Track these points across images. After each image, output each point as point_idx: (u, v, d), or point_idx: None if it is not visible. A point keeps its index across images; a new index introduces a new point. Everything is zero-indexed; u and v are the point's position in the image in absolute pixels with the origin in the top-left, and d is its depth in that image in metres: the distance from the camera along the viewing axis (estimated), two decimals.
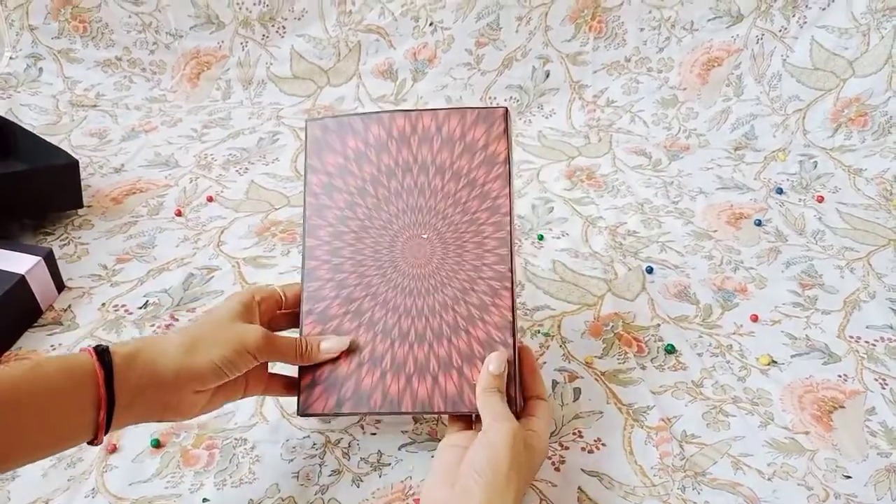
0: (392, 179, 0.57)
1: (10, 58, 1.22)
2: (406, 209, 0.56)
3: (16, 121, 1.01)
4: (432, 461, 0.50)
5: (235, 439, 0.59)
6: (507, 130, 0.56)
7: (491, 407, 0.49)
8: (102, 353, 0.44)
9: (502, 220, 0.54)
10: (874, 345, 0.71)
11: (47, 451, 0.43)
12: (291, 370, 0.56)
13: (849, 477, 0.57)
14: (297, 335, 0.55)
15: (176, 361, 0.46)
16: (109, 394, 0.43)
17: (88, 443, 0.44)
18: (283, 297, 0.57)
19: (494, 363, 0.51)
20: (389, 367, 0.54)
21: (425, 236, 0.55)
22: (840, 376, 0.67)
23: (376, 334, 0.55)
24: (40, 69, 1.22)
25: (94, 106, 1.17)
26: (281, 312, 0.57)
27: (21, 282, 0.68)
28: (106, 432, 0.44)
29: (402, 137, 0.57)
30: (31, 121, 1.10)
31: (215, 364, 0.47)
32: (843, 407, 0.64)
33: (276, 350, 0.52)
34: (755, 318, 0.74)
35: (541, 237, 0.87)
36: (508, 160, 0.55)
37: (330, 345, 0.54)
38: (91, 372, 0.43)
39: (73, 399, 0.42)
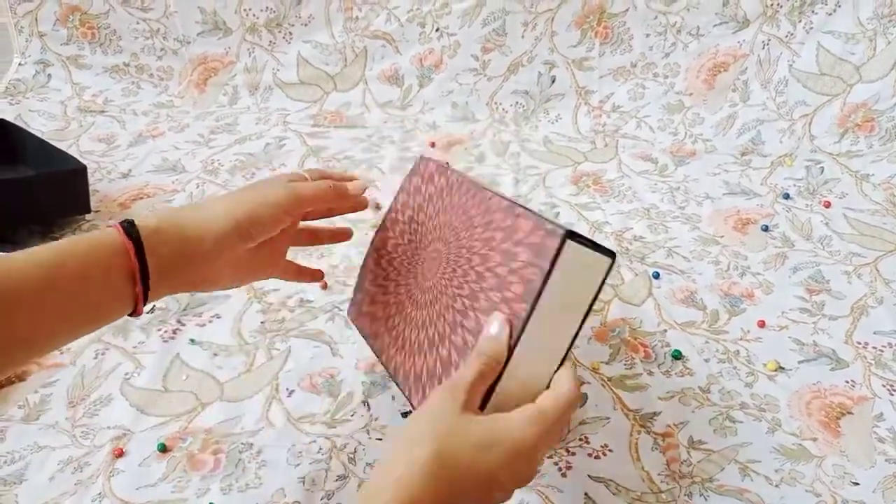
0: (412, 224, 0.59)
1: (20, 64, 1.23)
2: (422, 237, 0.57)
3: (24, 127, 1.01)
4: None
5: (242, 444, 0.59)
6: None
7: (468, 365, 0.43)
8: (129, 226, 0.44)
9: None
10: (882, 350, 0.71)
11: (89, 326, 0.43)
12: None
13: (857, 483, 0.57)
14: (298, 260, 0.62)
15: (202, 225, 0.46)
16: (142, 265, 0.43)
17: (129, 314, 0.45)
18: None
19: (495, 325, 0.44)
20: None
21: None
22: (848, 382, 0.67)
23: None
24: (49, 75, 1.22)
25: (102, 112, 1.18)
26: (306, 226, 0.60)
27: None
28: (145, 304, 0.44)
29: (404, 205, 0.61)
30: (39, 126, 1.11)
31: (241, 222, 0.47)
32: (850, 413, 0.63)
33: (305, 197, 0.52)
34: (762, 324, 0.74)
35: None
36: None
37: (355, 187, 0.56)
38: (121, 246, 0.43)
39: (107, 274, 0.42)
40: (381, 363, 0.58)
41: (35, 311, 0.40)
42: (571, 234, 0.43)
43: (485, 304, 0.46)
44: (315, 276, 0.64)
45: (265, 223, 0.49)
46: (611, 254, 0.44)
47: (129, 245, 0.43)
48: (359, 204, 0.59)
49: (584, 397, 0.64)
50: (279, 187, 0.51)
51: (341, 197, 0.56)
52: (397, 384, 0.54)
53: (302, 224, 0.59)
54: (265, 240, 0.51)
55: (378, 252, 0.62)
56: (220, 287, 0.51)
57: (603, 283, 0.45)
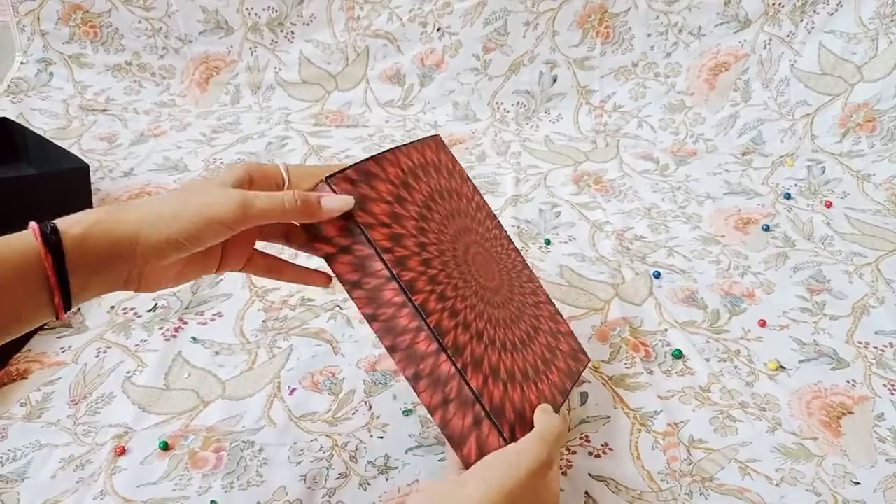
0: (439, 203, 0.52)
1: (22, 63, 1.23)
2: (460, 229, 0.53)
3: (26, 125, 1.01)
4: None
5: (243, 442, 0.59)
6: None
7: (544, 421, 0.47)
8: (49, 235, 0.39)
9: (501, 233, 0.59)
10: (883, 350, 0.71)
11: (7, 334, 0.40)
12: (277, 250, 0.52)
13: (857, 483, 0.57)
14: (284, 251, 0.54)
15: (133, 234, 0.41)
16: (61, 278, 0.39)
17: (54, 319, 0.41)
18: (285, 180, 0.47)
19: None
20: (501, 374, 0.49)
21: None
22: (848, 382, 0.67)
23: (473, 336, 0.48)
24: (51, 74, 1.23)
25: (104, 110, 1.18)
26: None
27: None
28: (67, 311, 0.41)
29: (412, 170, 0.51)
30: (41, 125, 1.11)
31: (173, 238, 0.41)
32: (851, 413, 0.64)
33: (256, 213, 0.43)
34: (763, 324, 0.74)
35: (548, 242, 0.87)
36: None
37: (332, 201, 0.44)
38: (38, 258, 0.39)
39: (23, 282, 0.39)
40: (394, 287, 0.45)
41: None
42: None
43: (539, 353, 0.54)
44: (304, 278, 0.54)
45: (201, 238, 0.42)
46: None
47: (47, 258, 0.39)
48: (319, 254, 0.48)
49: (584, 396, 0.65)
50: (226, 197, 0.42)
51: (308, 214, 0.44)
52: (437, 339, 0.45)
53: (259, 246, 0.51)
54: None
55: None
56: (157, 289, 0.45)
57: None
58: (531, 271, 0.60)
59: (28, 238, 0.40)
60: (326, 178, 0.45)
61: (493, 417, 0.45)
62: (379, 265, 0.45)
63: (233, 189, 0.43)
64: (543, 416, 0.47)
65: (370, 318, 0.46)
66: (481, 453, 0.44)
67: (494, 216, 0.60)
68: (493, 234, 0.57)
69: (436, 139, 0.57)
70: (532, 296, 0.57)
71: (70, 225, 0.40)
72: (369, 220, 0.45)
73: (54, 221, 0.40)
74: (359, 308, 0.46)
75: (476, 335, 0.47)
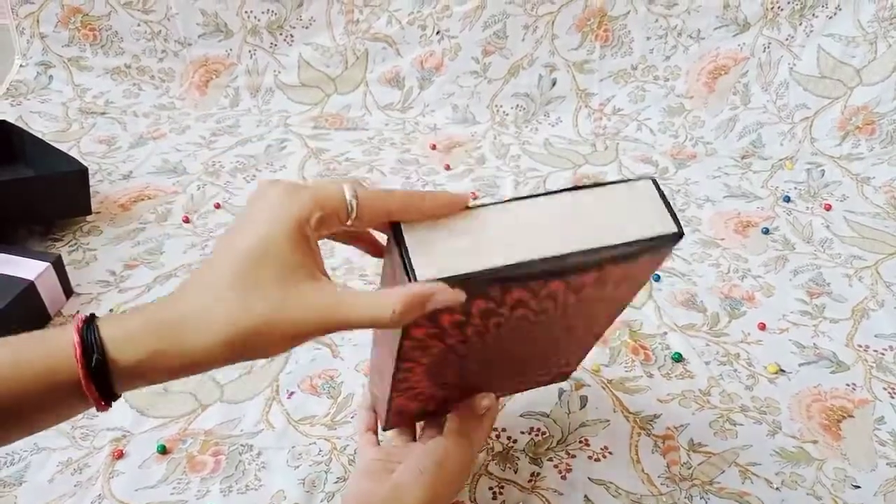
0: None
1: (21, 66, 1.23)
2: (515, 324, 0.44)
3: (26, 128, 1.01)
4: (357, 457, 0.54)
5: (241, 446, 0.59)
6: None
7: (459, 421, 0.51)
8: (91, 350, 0.32)
9: None
10: (883, 353, 0.71)
11: (46, 425, 0.35)
12: None
13: (858, 487, 0.57)
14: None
15: (213, 348, 0.33)
16: (103, 392, 0.33)
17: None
18: (351, 210, 0.36)
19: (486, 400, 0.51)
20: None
21: None
22: (848, 385, 0.67)
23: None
24: (50, 77, 1.23)
25: (103, 113, 1.18)
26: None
27: (30, 288, 0.68)
28: (109, 406, 0.35)
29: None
30: (40, 128, 1.11)
31: (236, 347, 0.33)
32: (851, 416, 0.63)
33: (341, 325, 0.34)
34: (763, 327, 0.74)
35: None
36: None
37: (448, 296, 0.34)
38: (75, 375, 0.32)
39: (61, 402, 0.34)
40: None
41: None
42: (656, 183, 0.42)
43: None
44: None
45: (272, 349, 0.34)
46: (679, 229, 0.41)
47: (86, 381, 0.32)
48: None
49: (584, 400, 0.64)
50: (304, 308, 0.34)
51: (410, 315, 0.34)
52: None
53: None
54: None
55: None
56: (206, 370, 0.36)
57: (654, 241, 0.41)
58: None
59: (65, 346, 0.33)
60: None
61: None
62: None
63: (324, 281, 0.35)
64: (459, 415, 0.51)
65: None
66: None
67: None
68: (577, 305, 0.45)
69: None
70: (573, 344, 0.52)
71: (122, 352, 0.33)
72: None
73: (102, 337, 0.33)
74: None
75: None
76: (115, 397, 0.34)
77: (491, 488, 0.56)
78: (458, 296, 0.34)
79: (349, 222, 0.36)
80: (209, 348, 0.33)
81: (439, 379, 0.47)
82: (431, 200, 0.36)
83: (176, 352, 0.33)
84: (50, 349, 0.33)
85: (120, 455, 0.58)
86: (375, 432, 0.55)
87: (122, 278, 0.79)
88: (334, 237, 0.41)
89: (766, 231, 0.91)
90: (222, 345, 0.33)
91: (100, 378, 0.33)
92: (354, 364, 0.68)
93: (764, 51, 1.13)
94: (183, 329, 0.33)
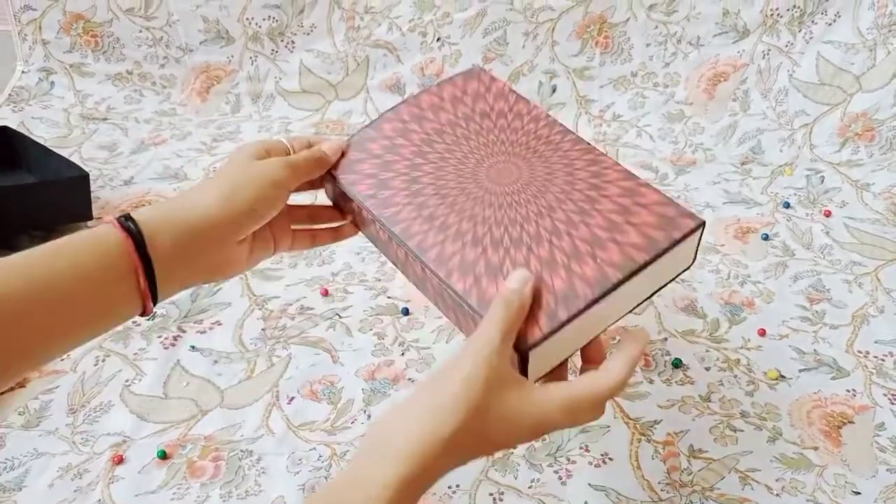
0: (457, 128, 0.55)
1: (23, 72, 1.23)
2: (482, 145, 0.53)
3: (27, 134, 1.02)
4: None
5: (241, 451, 0.59)
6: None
7: (491, 314, 0.41)
8: (126, 220, 0.42)
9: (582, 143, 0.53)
10: (883, 360, 0.71)
11: (94, 330, 0.41)
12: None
13: (858, 493, 0.57)
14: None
15: (212, 211, 0.44)
16: (144, 260, 0.41)
17: (140, 314, 0.43)
18: (289, 148, 0.52)
19: (518, 279, 0.43)
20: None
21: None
22: (849, 391, 0.67)
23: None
24: (52, 83, 1.23)
25: (105, 119, 1.18)
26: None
27: None
28: (155, 302, 0.43)
29: (434, 106, 0.56)
30: (42, 134, 1.11)
31: (247, 208, 0.45)
32: (852, 422, 0.63)
33: (300, 170, 0.50)
34: (763, 333, 0.74)
35: None
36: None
37: (329, 145, 0.53)
38: (120, 243, 0.41)
39: (108, 273, 0.40)
40: (380, 226, 0.50)
41: (30, 319, 0.38)
42: (703, 223, 0.48)
43: (585, 234, 0.46)
44: (337, 234, 0.57)
45: (275, 203, 0.48)
46: (693, 260, 0.50)
47: (129, 241, 0.41)
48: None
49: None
50: (271, 165, 0.48)
51: (324, 163, 0.52)
52: (420, 257, 0.47)
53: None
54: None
55: (396, 125, 0.56)
56: (232, 274, 0.49)
57: (672, 280, 0.50)
58: (597, 155, 0.52)
59: (106, 230, 0.41)
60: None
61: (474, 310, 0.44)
62: (366, 213, 0.51)
63: (271, 158, 0.49)
64: (488, 317, 0.41)
65: (395, 266, 0.53)
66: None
67: (553, 122, 0.55)
68: (536, 137, 0.53)
69: (476, 71, 0.60)
70: (593, 178, 0.50)
71: (144, 213, 0.43)
72: (353, 177, 0.52)
73: (128, 213, 0.42)
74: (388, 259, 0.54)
75: (471, 241, 0.47)
76: (150, 263, 0.42)
77: (491, 494, 0.56)
78: (339, 142, 0.53)
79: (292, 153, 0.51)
80: (212, 198, 0.44)
81: (450, 228, 0.49)
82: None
83: (187, 205, 0.44)
84: (88, 231, 0.41)
85: (120, 460, 0.58)
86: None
87: None
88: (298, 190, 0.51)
89: (766, 237, 0.91)
90: (215, 195, 0.45)
91: (133, 234, 0.41)
92: (354, 370, 0.68)
93: (763, 57, 1.13)
94: (194, 200, 0.45)
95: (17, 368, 0.39)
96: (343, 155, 0.54)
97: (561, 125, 0.54)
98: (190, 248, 0.43)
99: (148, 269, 0.41)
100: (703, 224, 0.47)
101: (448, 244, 0.47)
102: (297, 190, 0.51)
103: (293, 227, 0.55)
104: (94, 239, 0.41)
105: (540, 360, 0.43)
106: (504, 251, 0.46)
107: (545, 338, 0.41)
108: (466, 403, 0.37)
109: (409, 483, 0.36)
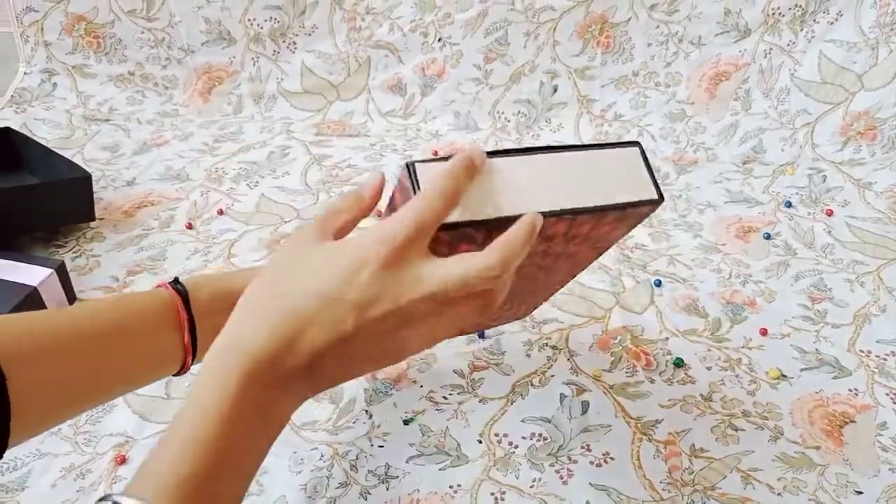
0: None
1: (25, 73, 1.24)
2: None
3: (30, 135, 1.02)
4: None
5: None
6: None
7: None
8: (175, 282, 0.46)
9: None
10: (885, 359, 0.70)
11: (139, 379, 0.45)
12: None
13: (860, 492, 0.57)
14: None
15: (247, 277, 0.46)
16: (189, 316, 0.45)
17: (176, 373, 0.46)
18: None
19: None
20: None
21: None
22: (851, 390, 0.67)
23: None
24: (54, 84, 1.23)
25: (107, 120, 1.19)
26: None
27: (33, 294, 0.68)
28: (194, 359, 0.46)
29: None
30: (44, 135, 1.12)
31: None
32: (853, 421, 0.63)
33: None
34: (764, 332, 0.74)
35: None
36: None
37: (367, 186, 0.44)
38: (169, 299, 0.45)
39: (159, 325, 0.44)
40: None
41: (90, 363, 0.41)
42: (642, 148, 0.46)
43: None
44: None
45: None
46: (660, 195, 0.46)
47: (178, 299, 0.45)
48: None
49: (585, 405, 0.64)
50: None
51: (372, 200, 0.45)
52: None
53: None
54: None
55: None
56: None
57: (634, 224, 0.48)
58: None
59: (156, 291, 0.45)
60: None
61: None
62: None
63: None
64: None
65: None
66: None
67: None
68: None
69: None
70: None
71: (190, 276, 0.49)
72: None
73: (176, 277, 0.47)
74: None
75: None
76: (193, 319, 0.45)
77: (493, 493, 0.56)
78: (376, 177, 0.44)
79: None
80: (253, 271, 0.48)
81: None
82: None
83: (227, 274, 0.49)
84: (144, 292, 0.46)
85: (122, 461, 0.58)
86: None
87: (125, 284, 0.79)
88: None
89: (768, 236, 0.91)
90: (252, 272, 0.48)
91: (181, 294, 0.45)
92: None
93: (765, 57, 1.13)
94: (240, 271, 0.50)
95: (76, 407, 0.42)
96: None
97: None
98: (224, 309, 0.40)
99: (192, 326, 0.45)
100: (639, 144, 0.46)
101: None
102: None
103: None
104: (150, 297, 0.45)
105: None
106: None
107: (433, 160, 0.39)
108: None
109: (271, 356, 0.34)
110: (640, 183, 0.45)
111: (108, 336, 0.42)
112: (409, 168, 0.39)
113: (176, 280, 0.46)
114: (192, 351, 0.45)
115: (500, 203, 0.40)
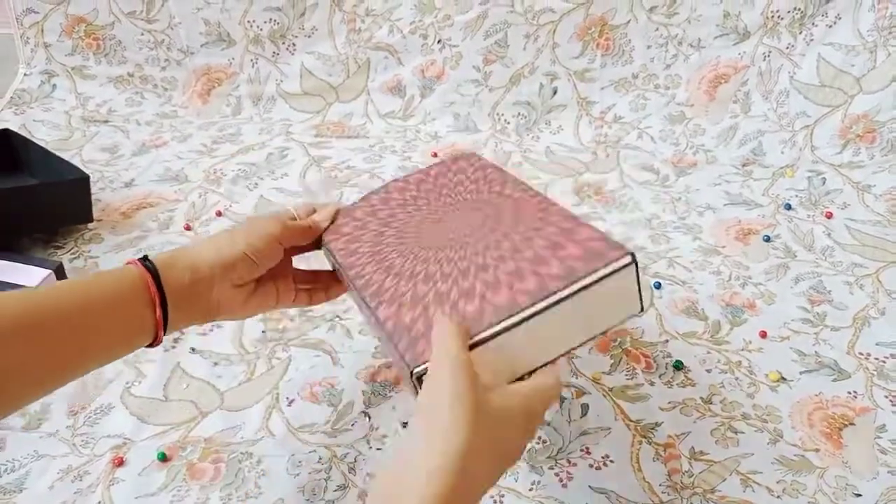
0: (430, 194, 0.61)
1: (25, 74, 1.23)
2: (447, 204, 0.59)
3: (29, 136, 1.02)
4: None
5: (241, 453, 0.59)
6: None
7: (439, 331, 0.43)
8: (144, 259, 0.48)
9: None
10: (884, 362, 0.70)
11: (113, 354, 0.47)
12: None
13: (859, 495, 0.56)
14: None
15: (209, 255, 0.51)
16: (160, 292, 0.47)
17: (149, 345, 0.48)
18: (296, 217, 0.59)
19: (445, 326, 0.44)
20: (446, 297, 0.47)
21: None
22: (850, 393, 0.67)
23: (417, 280, 0.50)
24: (54, 85, 1.23)
25: (106, 121, 1.19)
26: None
27: None
28: (165, 332, 0.48)
29: (420, 181, 0.64)
30: (43, 136, 1.12)
31: (244, 252, 0.52)
32: (853, 424, 0.63)
33: (292, 233, 0.56)
34: (764, 335, 0.74)
35: None
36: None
37: (320, 215, 0.60)
38: (140, 276, 0.47)
39: (131, 304, 0.46)
40: (346, 276, 0.55)
41: (67, 340, 0.43)
42: (635, 260, 0.46)
43: (511, 267, 0.47)
44: (328, 294, 0.63)
45: (266, 254, 0.53)
46: (642, 307, 0.48)
47: (148, 276, 0.47)
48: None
49: (585, 408, 0.64)
50: (270, 221, 0.55)
51: (315, 230, 0.59)
52: (364, 301, 0.51)
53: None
54: (267, 271, 0.55)
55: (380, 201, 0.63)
56: (233, 316, 0.55)
57: (620, 322, 0.49)
58: (549, 204, 0.54)
59: (129, 268, 0.48)
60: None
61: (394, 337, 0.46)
62: (335, 264, 0.58)
63: (274, 215, 0.56)
64: (439, 338, 0.42)
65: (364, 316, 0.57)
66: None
67: (522, 184, 0.58)
68: (499, 195, 0.57)
69: (469, 155, 0.66)
70: (537, 221, 0.52)
71: (158, 254, 0.50)
72: (332, 236, 0.59)
73: (145, 255, 0.49)
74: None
75: (407, 276, 0.50)
76: (164, 294, 0.48)
77: (492, 496, 0.56)
78: (331, 210, 0.61)
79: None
80: (214, 247, 0.52)
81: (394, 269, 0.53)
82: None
83: (192, 250, 0.51)
84: (114, 269, 0.48)
85: (120, 462, 0.58)
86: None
87: None
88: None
89: (767, 239, 0.91)
90: (228, 245, 0.52)
91: (151, 270, 0.47)
92: (355, 372, 0.68)
93: (764, 59, 1.13)
94: (200, 246, 0.52)
95: (48, 383, 0.43)
96: (333, 220, 0.61)
97: (529, 187, 0.57)
98: (193, 287, 0.50)
99: (163, 302, 0.47)
100: (634, 260, 0.45)
101: (387, 280, 0.52)
102: (295, 253, 0.59)
103: (298, 286, 0.61)
104: (120, 274, 0.47)
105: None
106: (432, 283, 0.49)
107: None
108: (465, 414, 0.38)
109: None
110: (630, 300, 0.48)
111: (82, 312, 0.44)
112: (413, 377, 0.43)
113: (145, 258, 0.49)
114: (164, 324, 0.48)
115: (515, 370, 0.45)
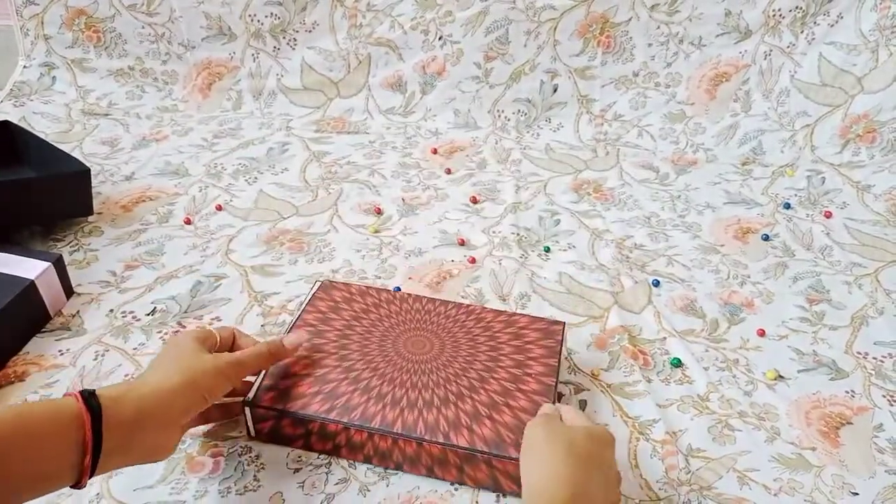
0: (361, 319, 0.67)
1: (24, 66, 1.23)
2: (394, 324, 0.66)
3: (29, 129, 1.02)
4: None
5: (241, 447, 0.59)
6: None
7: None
8: (89, 396, 0.43)
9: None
10: (882, 361, 0.71)
11: (30, 495, 0.41)
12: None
13: (856, 494, 0.57)
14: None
15: (175, 397, 0.48)
16: (96, 437, 0.42)
17: (72, 486, 0.43)
18: (217, 341, 0.56)
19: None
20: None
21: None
22: (847, 392, 0.67)
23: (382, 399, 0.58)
24: (54, 78, 1.23)
25: (106, 115, 1.18)
26: None
27: (30, 287, 0.68)
28: (91, 476, 0.43)
29: (323, 317, 0.67)
30: (43, 129, 1.12)
31: (204, 395, 0.50)
32: (850, 423, 0.63)
33: (245, 366, 0.55)
34: (762, 333, 0.74)
35: (547, 249, 0.87)
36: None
37: (292, 338, 0.60)
38: (77, 415, 0.42)
39: (59, 443, 0.41)
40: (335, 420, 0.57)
41: None
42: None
43: (503, 375, 0.61)
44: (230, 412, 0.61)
45: (219, 393, 0.52)
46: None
47: (87, 416, 0.42)
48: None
49: (583, 404, 0.65)
50: (223, 358, 0.53)
51: (278, 356, 0.59)
52: (400, 434, 0.56)
53: None
54: None
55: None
56: (164, 456, 0.50)
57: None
58: (494, 333, 0.66)
59: (68, 402, 0.43)
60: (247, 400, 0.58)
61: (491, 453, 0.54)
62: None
63: (220, 353, 0.54)
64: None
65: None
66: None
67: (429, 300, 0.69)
68: (437, 315, 0.67)
69: (323, 284, 0.71)
70: (490, 353, 0.63)
71: (108, 388, 0.46)
72: (301, 401, 0.59)
73: (92, 388, 0.45)
74: None
75: (393, 401, 0.58)
76: (100, 440, 0.43)
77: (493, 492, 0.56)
78: (300, 335, 0.61)
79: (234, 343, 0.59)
80: (173, 388, 0.48)
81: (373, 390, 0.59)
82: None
83: (147, 393, 0.47)
84: (54, 400, 0.44)
85: None
86: None
87: (122, 279, 0.79)
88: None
89: (766, 237, 0.91)
90: (181, 385, 0.49)
91: (91, 408, 0.42)
92: None
93: (765, 58, 1.13)
94: (152, 384, 0.48)
95: None
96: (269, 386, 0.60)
97: (439, 301, 0.70)
98: (138, 430, 0.45)
99: (96, 447, 0.42)
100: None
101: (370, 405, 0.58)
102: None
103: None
104: (56, 408, 0.42)
105: None
106: (459, 404, 0.58)
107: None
108: (567, 467, 0.47)
109: None
110: None
111: (5, 443, 0.39)
112: None
113: (92, 393, 0.44)
114: (91, 469, 0.43)
115: None
